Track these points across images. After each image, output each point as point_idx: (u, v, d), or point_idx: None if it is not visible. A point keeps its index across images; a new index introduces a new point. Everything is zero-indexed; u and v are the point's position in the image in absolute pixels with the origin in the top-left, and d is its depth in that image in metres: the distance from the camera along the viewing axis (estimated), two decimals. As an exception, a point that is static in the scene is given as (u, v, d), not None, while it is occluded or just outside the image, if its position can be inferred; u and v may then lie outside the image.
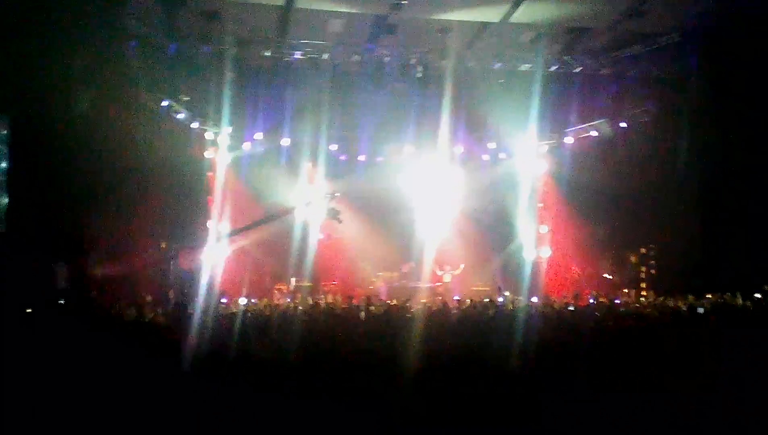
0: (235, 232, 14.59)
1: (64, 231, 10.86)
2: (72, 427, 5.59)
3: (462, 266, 16.70)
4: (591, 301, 13.18)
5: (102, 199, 11.57)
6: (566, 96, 15.87)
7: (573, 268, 16.78)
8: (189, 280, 12.63)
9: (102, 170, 11.42)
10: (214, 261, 14.12)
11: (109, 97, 11.68)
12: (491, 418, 6.17)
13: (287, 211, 14.56)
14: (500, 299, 13.63)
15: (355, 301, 12.21)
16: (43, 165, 11.03)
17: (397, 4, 12.38)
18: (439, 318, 10.86)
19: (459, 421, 6.15)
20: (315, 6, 12.74)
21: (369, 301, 12.27)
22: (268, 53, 14.08)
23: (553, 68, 15.33)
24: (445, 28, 13.80)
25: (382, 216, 16.58)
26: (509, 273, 16.25)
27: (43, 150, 11.09)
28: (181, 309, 10.23)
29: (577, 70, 15.44)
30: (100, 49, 11.45)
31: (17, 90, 10.95)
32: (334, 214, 12.69)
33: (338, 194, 12.85)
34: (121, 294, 10.99)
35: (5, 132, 11.52)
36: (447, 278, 16.57)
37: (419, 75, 15.15)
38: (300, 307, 11.52)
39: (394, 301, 12.66)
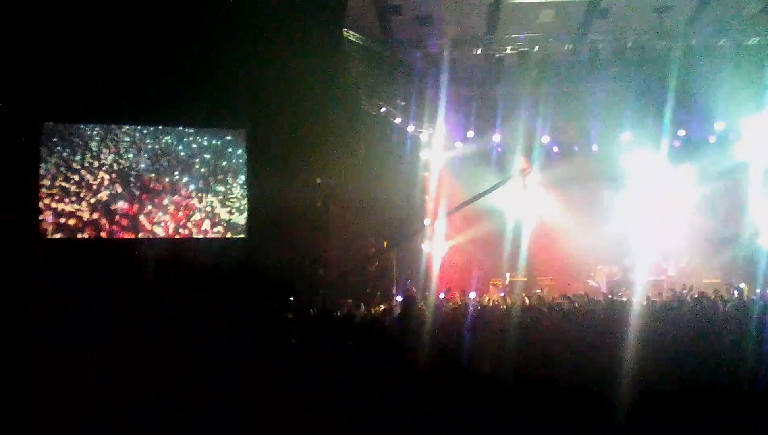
0: (456, 209, 15.00)
1: (298, 235, 11.77)
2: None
3: (689, 259, 15.73)
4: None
5: (330, 203, 12.39)
6: (805, 68, 14.35)
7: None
8: (411, 276, 13.17)
9: (330, 176, 12.21)
10: (433, 258, 14.60)
11: (333, 105, 12.47)
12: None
13: (501, 183, 14.81)
14: (734, 293, 12.71)
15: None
16: (276, 174, 12.01)
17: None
18: (665, 313, 10.41)
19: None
20: (525, -1, 12.72)
21: (587, 297, 12.08)
22: (479, 51, 14.27)
23: (788, 39, 13.98)
24: (663, 6, 13.12)
25: (600, 207, 16.09)
26: (744, 264, 15.00)
27: (275, 159, 12.08)
28: (410, 303, 10.65)
29: (816, 39, 13.95)
30: (324, 59, 12.25)
31: (251, 104, 12.02)
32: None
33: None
34: (349, 292, 11.67)
35: (243, 144, 12.68)
36: (672, 271, 15.70)
37: (636, 58, 14.53)
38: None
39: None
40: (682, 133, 15.92)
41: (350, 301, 10.91)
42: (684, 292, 12.69)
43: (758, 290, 13.08)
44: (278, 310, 9.53)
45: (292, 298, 10.42)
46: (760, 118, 14.98)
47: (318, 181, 11.97)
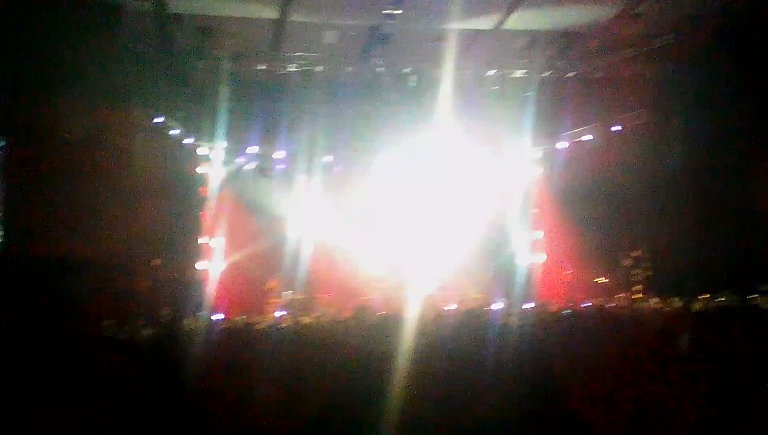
0: None
1: (58, 249, 10.88)
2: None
3: (457, 274, 16.53)
4: (584, 305, 13.27)
5: (95, 216, 11.58)
6: (560, 101, 15.87)
7: (567, 273, 16.70)
8: (182, 295, 12.55)
9: (95, 187, 11.45)
10: (208, 276, 14.15)
11: (103, 114, 11.72)
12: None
13: None
14: (494, 306, 13.62)
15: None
16: (36, 184, 11.08)
17: (391, 14, 12.41)
18: (434, 327, 10.89)
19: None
20: (309, 18, 12.78)
21: (364, 312, 12.33)
22: (262, 67, 14.14)
23: (546, 73, 15.38)
24: (439, 36, 13.79)
25: (376, 225, 16.50)
26: (503, 280, 16.12)
27: (36, 169, 11.14)
28: (176, 324, 10.23)
29: (571, 74, 15.49)
30: (95, 66, 11.49)
31: (12, 111, 11.01)
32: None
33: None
34: (113, 311, 10.96)
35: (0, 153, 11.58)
36: (441, 287, 16.39)
37: (413, 84, 15.21)
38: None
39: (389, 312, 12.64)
40: (452, 156, 16.86)
41: (113, 321, 10.26)
42: (452, 306, 13.40)
43: (516, 304, 14.09)
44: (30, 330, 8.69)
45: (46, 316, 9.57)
46: (521, 145, 16.34)
47: (82, 193, 11.12)
